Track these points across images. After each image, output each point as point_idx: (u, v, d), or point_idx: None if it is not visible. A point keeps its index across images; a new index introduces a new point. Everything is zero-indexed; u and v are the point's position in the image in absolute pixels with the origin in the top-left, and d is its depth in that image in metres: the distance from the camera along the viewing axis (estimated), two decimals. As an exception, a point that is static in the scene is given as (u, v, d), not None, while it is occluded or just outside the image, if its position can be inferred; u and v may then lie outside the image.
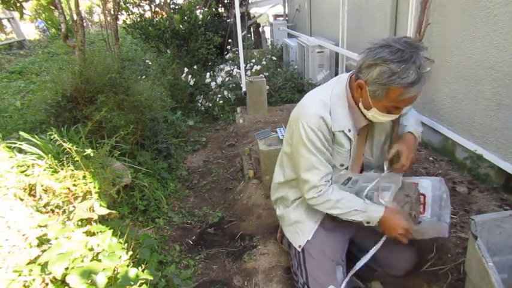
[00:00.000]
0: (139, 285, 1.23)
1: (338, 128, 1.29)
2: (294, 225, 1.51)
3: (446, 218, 1.33)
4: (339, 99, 1.30)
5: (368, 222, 1.32)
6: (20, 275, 1.14)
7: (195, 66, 4.74)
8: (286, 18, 7.18)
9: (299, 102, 1.40)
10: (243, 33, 4.19)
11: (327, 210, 1.36)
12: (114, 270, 1.24)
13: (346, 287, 1.39)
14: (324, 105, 1.29)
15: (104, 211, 1.62)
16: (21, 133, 2.05)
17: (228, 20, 6.05)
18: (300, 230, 1.48)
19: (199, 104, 4.33)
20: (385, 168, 1.43)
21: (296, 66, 4.96)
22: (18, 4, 3.21)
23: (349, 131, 1.31)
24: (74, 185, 1.72)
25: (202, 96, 4.40)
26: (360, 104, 1.28)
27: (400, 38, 1.13)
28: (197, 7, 5.19)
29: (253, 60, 4.83)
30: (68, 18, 3.32)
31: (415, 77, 1.08)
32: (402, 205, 1.33)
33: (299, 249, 1.47)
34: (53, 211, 1.64)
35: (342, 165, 1.38)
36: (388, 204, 1.31)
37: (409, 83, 1.09)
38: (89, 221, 1.56)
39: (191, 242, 2.05)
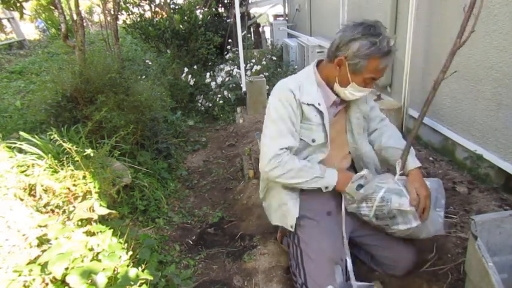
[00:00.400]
0: (139, 285, 1.23)
1: (307, 100, 1.36)
2: (279, 209, 1.51)
3: (438, 217, 1.36)
4: (308, 77, 1.41)
5: (326, 188, 1.39)
6: (20, 275, 1.15)
7: (195, 66, 4.74)
8: (286, 18, 7.18)
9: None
10: (243, 33, 4.19)
11: (288, 180, 1.37)
12: (114, 270, 1.24)
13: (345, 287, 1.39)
14: (294, 80, 1.40)
15: (104, 211, 1.62)
16: (21, 133, 2.05)
17: (228, 20, 6.06)
18: (286, 211, 1.47)
19: (199, 104, 4.33)
20: (398, 170, 1.42)
21: (296, 66, 4.96)
22: (18, 4, 3.21)
23: (319, 104, 1.36)
24: (74, 185, 1.72)
25: (202, 96, 4.41)
26: (336, 84, 1.36)
27: (364, 20, 1.27)
28: (197, 7, 5.19)
29: (253, 60, 4.83)
30: (68, 18, 3.32)
31: (388, 48, 1.24)
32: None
33: (292, 230, 1.46)
34: (53, 211, 1.64)
35: (313, 140, 1.41)
36: (407, 208, 1.29)
37: (385, 52, 1.23)
38: (89, 221, 1.56)
39: (191, 242, 2.05)
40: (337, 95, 1.42)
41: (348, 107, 1.49)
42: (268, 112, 1.41)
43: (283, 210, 1.50)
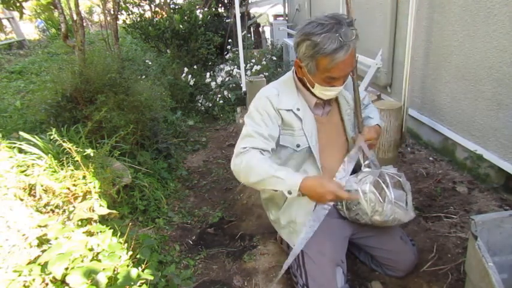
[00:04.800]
0: (139, 285, 1.23)
1: (285, 106, 1.34)
2: (288, 226, 1.50)
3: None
4: (286, 83, 1.42)
5: (290, 193, 1.18)
6: (20, 275, 1.14)
7: (195, 66, 4.74)
8: (286, 18, 7.18)
9: None
10: (243, 33, 4.19)
11: (246, 179, 1.26)
12: (114, 270, 1.24)
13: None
14: (274, 87, 1.40)
15: (104, 211, 1.62)
16: (21, 133, 2.05)
17: (228, 20, 6.05)
18: (294, 230, 1.47)
19: (199, 104, 4.33)
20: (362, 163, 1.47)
21: (296, 66, 4.95)
22: (18, 4, 3.20)
23: (298, 109, 1.35)
24: (74, 185, 1.72)
25: (202, 96, 4.41)
26: (308, 85, 1.35)
27: (326, 14, 1.22)
28: (197, 7, 5.19)
29: (253, 60, 4.83)
30: (67, 18, 3.32)
31: (338, 44, 1.14)
32: (379, 191, 1.35)
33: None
34: (53, 211, 1.64)
35: (298, 145, 1.39)
36: (366, 190, 1.34)
37: (333, 49, 1.15)
38: (89, 221, 1.56)
39: (191, 242, 2.05)
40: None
41: (339, 105, 1.47)
42: (245, 119, 1.41)
43: (291, 228, 1.48)
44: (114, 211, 1.70)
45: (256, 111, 1.36)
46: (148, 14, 5.24)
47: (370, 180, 1.35)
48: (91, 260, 1.25)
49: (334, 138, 1.48)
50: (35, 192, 1.67)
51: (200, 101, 4.34)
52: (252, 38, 6.82)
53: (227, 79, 4.43)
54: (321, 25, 1.17)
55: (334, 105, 1.48)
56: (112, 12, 4.15)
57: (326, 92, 1.31)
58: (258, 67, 4.57)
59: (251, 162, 1.24)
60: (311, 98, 1.39)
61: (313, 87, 1.32)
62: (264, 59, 5.06)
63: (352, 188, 1.37)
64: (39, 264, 1.18)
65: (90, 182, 1.75)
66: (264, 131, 1.33)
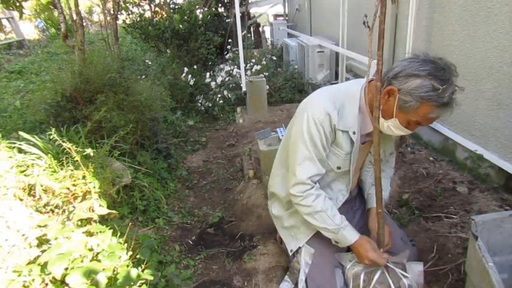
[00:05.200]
0: (139, 286, 1.23)
1: (343, 127, 1.25)
2: (290, 229, 1.50)
3: None
4: (352, 99, 1.27)
5: (337, 243, 1.35)
6: (19, 275, 1.14)
7: (195, 66, 4.74)
8: (286, 18, 7.18)
9: (311, 94, 1.36)
10: (243, 33, 4.19)
11: (303, 214, 1.35)
12: (114, 270, 1.24)
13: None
14: (335, 101, 1.25)
15: (104, 211, 1.62)
16: (21, 133, 2.05)
17: (228, 20, 6.05)
18: (295, 235, 1.47)
19: (199, 104, 4.33)
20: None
21: (296, 66, 4.96)
22: (17, 4, 3.20)
23: (354, 133, 1.26)
24: (74, 185, 1.71)
25: (202, 96, 4.40)
26: (381, 114, 1.22)
27: (439, 58, 1.12)
28: (197, 7, 5.19)
29: (253, 60, 4.82)
30: (67, 17, 3.32)
31: (449, 99, 1.08)
32: (357, 283, 1.32)
33: (290, 253, 1.48)
34: (52, 211, 1.64)
35: (338, 167, 1.35)
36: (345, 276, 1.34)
37: (444, 103, 1.08)
38: (88, 221, 1.56)
39: (191, 242, 2.05)
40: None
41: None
42: (300, 128, 1.28)
43: (293, 232, 1.49)
44: (114, 211, 1.70)
45: (316, 128, 1.25)
46: (148, 14, 5.24)
47: (357, 270, 1.33)
48: (91, 260, 1.25)
49: (359, 166, 1.48)
50: (34, 192, 1.67)
51: (200, 101, 4.34)
52: (252, 38, 6.82)
53: (227, 79, 4.43)
54: (443, 71, 1.09)
55: (370, 139, 1.40)
56: (112, 12, 4.14)
57: (396, 130, 1.21)
58: (258, 67, 4.57)
59: (314, 206, 1.29)
60: (369, 125, 1.29)
61: (386, 119, 1.20)
62: (264, 59, 5.06)
63: (341, 264, 1.39)
64: (38, 265, 1.18)
65: (90, 182, 1.74)
66: (323, 155, 1.30)
